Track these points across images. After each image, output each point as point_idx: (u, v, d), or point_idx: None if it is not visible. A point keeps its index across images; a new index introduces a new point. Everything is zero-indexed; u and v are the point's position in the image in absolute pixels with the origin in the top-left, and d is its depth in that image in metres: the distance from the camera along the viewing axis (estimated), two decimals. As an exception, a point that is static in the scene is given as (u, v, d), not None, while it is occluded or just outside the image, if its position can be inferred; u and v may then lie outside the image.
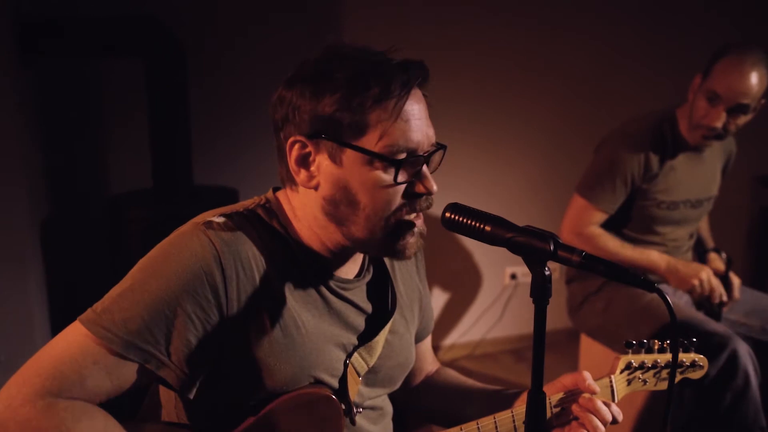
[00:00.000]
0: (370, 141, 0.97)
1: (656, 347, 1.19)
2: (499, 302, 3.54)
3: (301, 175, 1.01)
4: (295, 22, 2.86)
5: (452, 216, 0.94)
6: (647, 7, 3.41)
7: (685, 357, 1.22)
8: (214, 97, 2.84)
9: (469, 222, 0.93)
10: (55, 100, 2.66)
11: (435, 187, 1.01)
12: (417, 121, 0.99)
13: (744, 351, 1.88)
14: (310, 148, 1.00)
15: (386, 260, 1.19)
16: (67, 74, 2.68)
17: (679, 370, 1.22)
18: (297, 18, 2.87)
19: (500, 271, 3.50)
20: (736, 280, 2.19)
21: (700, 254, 2.37)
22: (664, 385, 1.22)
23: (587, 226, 2.13)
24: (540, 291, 0.88)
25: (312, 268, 1.06)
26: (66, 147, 2.72)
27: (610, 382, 1.17)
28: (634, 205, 2.15)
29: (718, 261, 2.30)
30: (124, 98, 2.73)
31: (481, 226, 0.93)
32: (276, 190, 1.11)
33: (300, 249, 1.05)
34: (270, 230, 1.05)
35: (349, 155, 0.98)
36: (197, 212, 1.07)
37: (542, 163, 3.45)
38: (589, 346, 2.39)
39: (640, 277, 0.84)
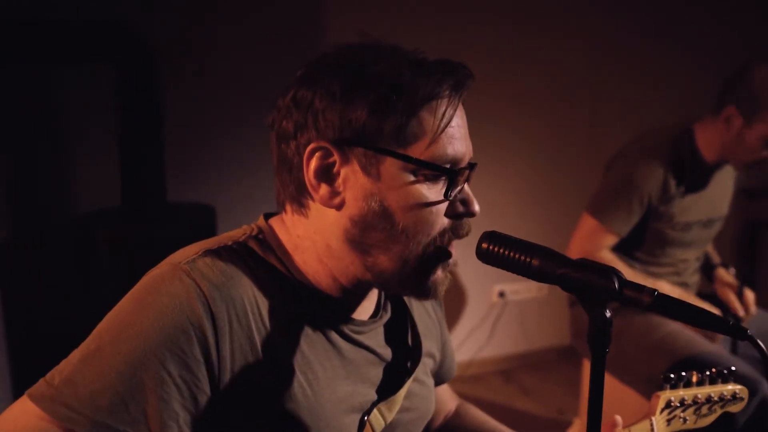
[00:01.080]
0: (416, 149, 0.82)
1: (695, 379, 1.07)
2: (488, 321, 3.40)
3: (322, 191, 0.84)
4: (276, 28, 2.70)
5: (491, 247, 0.79)
6: (644, 13, 3.34)
7: (724, 389, 1.10)
8: (190, 106, 2.66)
9: (511, 255, 0.78)
10: (15, 109, 2.46)
11: (478, 208, 0.86)
12: (462, 129, 0.85)
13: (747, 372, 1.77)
14: (335, 158, 0.83)
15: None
16: (28, 82, 2.48)
17: (719, 404, 1.09)
18: (276, 23, 2.72)
19: (488, 288, 3.37)
20: (750, 295, 2.09)
21: (707, 270, 2.26)
22: (705, 422, 1.10)
23: (599, 250, 1.99)
24: (599, 337, 0.73)
25: (320, 311, 0.89)
26: (27, 161, 2.51)
27: (651, 424, 1.04)
28: (648, 227, 2.02)
29: (727, 276, 2.19)
30: (91, 108, 2.53)
31: (527, 259, 0.77)
32: (268, 216, 0.94)
33: (304, 288, 0.88)
34: (267, 267, 0.87)
35: (388, 166, 0.81)
36: (171, 234, 0.90)
37: (531, 174, 3.34)
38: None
39: (728, 322, 0.70)
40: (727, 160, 2.00)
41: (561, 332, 3.48)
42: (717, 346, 1.95)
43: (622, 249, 2.05)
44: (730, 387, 1.11)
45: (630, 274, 2.00)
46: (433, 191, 0.83)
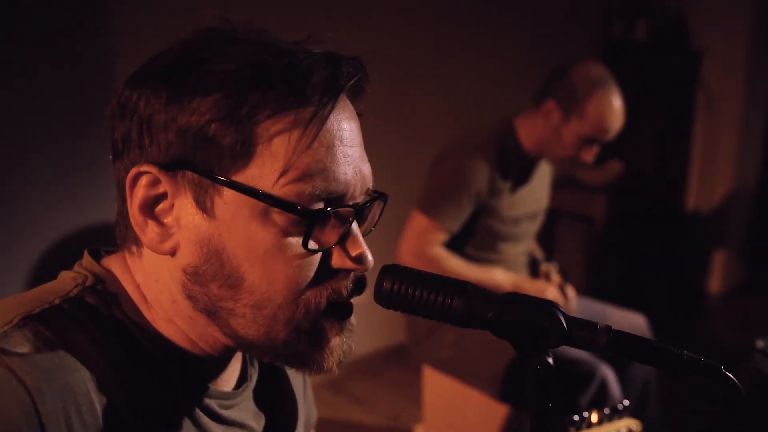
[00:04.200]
0: (267, 177, 0.60)
1: (596, 419, 1.00)
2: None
3: (150, 232, 0.62)
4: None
5: (395, 287, 0.60)
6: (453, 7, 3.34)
7: (620, 425, 1.03)
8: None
9: (424, 296, 0.60)
10: None
11: (370, 258, 0.65)
12: (347, 148, 0.63)
13: (611, 378, 1.80)
14: (164, 187, 0.61)
15: None
16: None
17: None
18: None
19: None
20: (571, 292, 2.13)
21: (532, 265, 2.29)
22: None
23: (430, 246, 1.91)
24: (543, 392, 0.58)
25: (182, 382, 0.66)
26: None
27: None
28: (478, 223, 1.98)
29: (552, 272, 2.23)
30: None
31: (446, 300, 0.59)
32: (94, 254, 0.69)
33: (162, 351, 0.65)
34: (116, 332, 0.63)
35: (227, 199, 0.60)
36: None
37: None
38: (434, 380, 2.17)
39: (699, 360, 0.57)
40: (545, 155, 2.02)
41: (386, 334, 3.41)
42: None
43: (452, 246, 2.00)
44: (625, 422, 1.04)
45: (463, 266, 1.94)
46: (292, 239, 0.61)
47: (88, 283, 0.65)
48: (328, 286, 0.64)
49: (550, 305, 0.59)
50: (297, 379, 0.86)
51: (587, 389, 1.79)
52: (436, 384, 2.16)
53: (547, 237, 3.94)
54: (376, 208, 0.69)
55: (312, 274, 0.63)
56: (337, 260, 0.64)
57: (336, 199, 0.62)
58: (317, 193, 0.60)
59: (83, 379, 0.58)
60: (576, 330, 0.58)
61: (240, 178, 0.59)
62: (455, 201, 1.90)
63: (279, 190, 0.59)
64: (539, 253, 2.35)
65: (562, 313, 0.59)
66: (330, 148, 0.61)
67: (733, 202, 4.04)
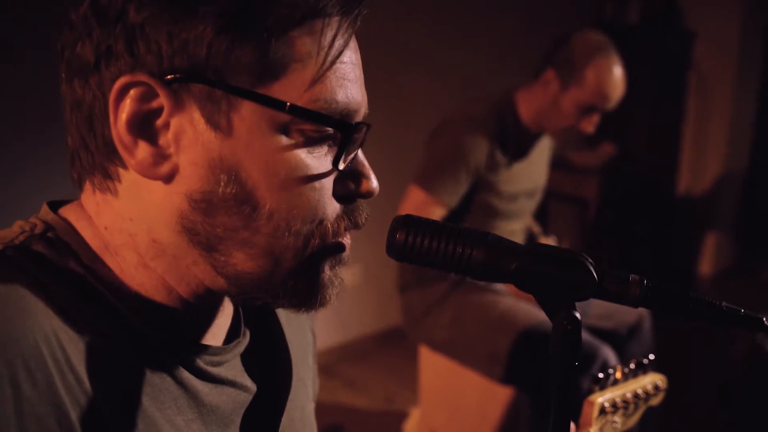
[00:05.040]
0: (290, 91, 0.54)
1: (619, 375, 0.94)
2: (304, 316, 3.18)
3: (141, 153, 0.54)
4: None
5: (410, 239, 0.56)
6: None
7: (646, 381, 0.99)
8: None
9: (441, 247, 0.55)
10: None
11: (377, 185, 0.61)
12: (356, 66, 0.59)
13: (611, 356, 1.78)
14: (161, 100, 0.54)
15: None
16: None
17: (643, 399, 0.98)
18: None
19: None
20: None
21: (530, 239, 2.26)
22: (632, 422, 0.99)
23: None
24: (569, 348, 0.54)
25: (156, 336, 0.59)
26: None
27: None
28: (475, 199, 1.94)
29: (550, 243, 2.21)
30: None
31: (467, 251, 0.55)
32: (55, 206, 0.62)
33: (130, 307, 0.57)
34: (68, 282, 0.55)
35: (246, 115, 0.54)
36: None
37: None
38: (430, 362, 2.13)
39: (740, 312, 0.54)
40: (544, 128, 1.98)
41: (378, 317, 3.38)
42: None
43: (449, 221, 1.95)
44: (650, 377, 1.00)
45: None
46: (315, 157, 0.57)
47: (36, 231, 0.57)
48: (345, 215, 0.60)
49: (579, 255, 0.55)
50: (300, 347, 0.81)
51: (589, 371, 1.77)
52: (432, 365, 2.13)
53: (539, 218, 3.92)
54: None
55: (330, 198, 0.59)
56: (352, 185, 0.60)
57: (348, 117, 0.58)
58: (340, 108, 0.56)
59: (30, 334, 0.50)
60: (607, 282, 0.54)
61: (262, 90, 0.54)
62: (453, 175, 1.86)
63: (304, 101, 0.55)
64: (537, 228, 2.32)
65: (592, 263, 0.55)
66: (348, 64, 0.57)
67: (723, 185, 4.04)
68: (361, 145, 0.61)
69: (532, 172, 2.07)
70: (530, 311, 1.90)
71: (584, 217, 3.72)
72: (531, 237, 2.26)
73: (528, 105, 1.96)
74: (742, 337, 2.17)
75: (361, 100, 0.59)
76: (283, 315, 0.78)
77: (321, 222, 0.58)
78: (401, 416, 2.62)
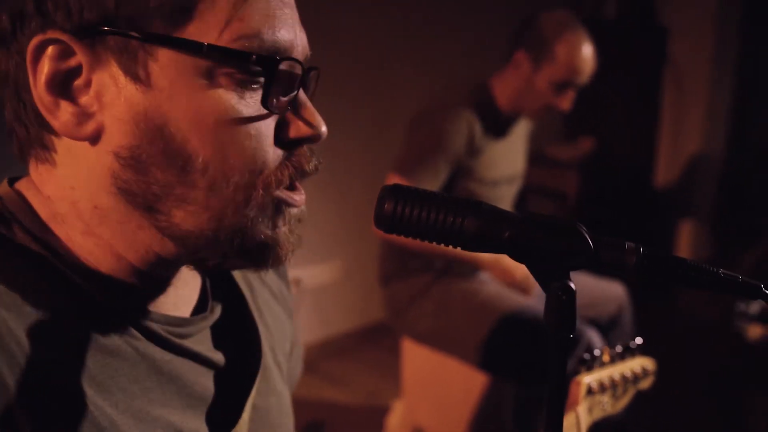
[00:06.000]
0: (207, 33, 0.52)
1: (607, 358, 0.94)
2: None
3: (63, 114, 0.53)
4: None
5: (399, 209, 0.54)
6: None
7: (634, 364, 0.99)
8: None
9: (432, 217, 0.54)
10: None
11: (324, 128, 0.59)
12: (287, 8, 0.56)
13: (597, 339, 1.78)
14: (78, 59, 0.52)
15: (238, 276, 0.73)
16: None
17: (632, 382, 0.98)
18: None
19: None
20: None
21: None
22: (621, 404, 1.00)
23: None
24: (564, 319, 0.53)
25: (110, 304, 0.57)
26: None
27: (576, 417, 0.89)
28: (456, 185, 1.94)
29: None
30: None
31: (458, 220, 0.54)
32: (13, 181, 0.60)
33: (82, 276, 0.56)
34: (16, 253, 0.54)
35: (165, 62, 0.52)
36: None
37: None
38: (413, 354, 2.13)
39: (738, 278, 0.53)
40: (521, 111, 1.98)
41: (360, 313, 3.36)
42: (532, 300, 1.92)
43: None
44: (638, 360, 1.00)
45: None
46: (246, 103, 0.54)
47: None
48: (289, 162, 0.57)
49: (575, 223, 0.54)
50: (278, 332, 0.79)
51: (574, 353, 1.77)
52: (415, 358, 2.13)
53: (518, 209, 3.94)
54: (313, 81, 0.63)
55: (270, 145, 0.56)
56: (293, 129, 0.57)
57: (277, 54, 0.55)
58: (266, 46, 0.54)
59: None
60: (603, 250, 0.53)
61: (179, 33, 0.52)
62: (433, 162, 1.85)
63: (224, 41, 0.52)
64: None
65: (587, 231, 0.54)
66: (275, 2, 0.55)
67: (700, 177, 4.09)
68: (303, 87, 0.59)
69: (512, 157, 2.07)
70: (514, 298, 1.91)
71: (564, 211, 3.74)
72: None
73: (503, 89, 1.96)
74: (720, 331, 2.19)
75: (293, 39, 0.56)
76: (260, 298, 0.77)
77: (261, 171, 0.56)
78: (384, 411, 2.61)
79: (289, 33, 0.56)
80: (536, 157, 3.75)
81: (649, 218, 4.10)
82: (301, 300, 3.20)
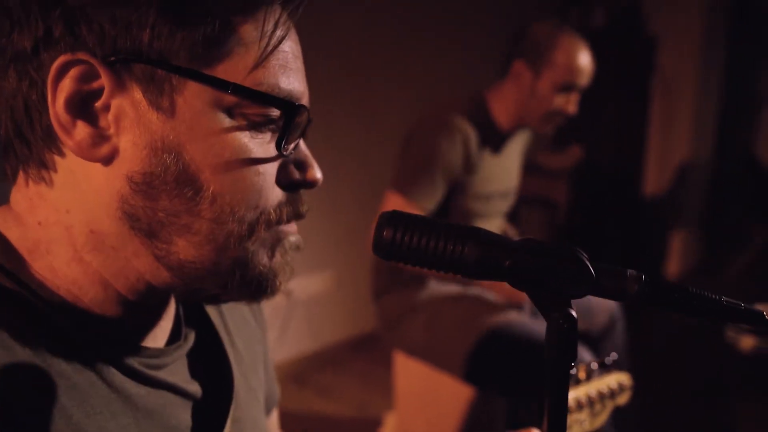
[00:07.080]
0: (233, 74, 0.55)
1: (583, 375, 0.94)
2: (274, 325, 3.12)
3: (79, 134, 0.53)
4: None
5: (398, 237, 0.53)
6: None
7: (610, 380, 0.98)
8: None
9: (431, 244, 0.53)
10: None
11: (320, 175, 0.63)
12: (296, 58, 0.60)
13: (584, 354, 1.77)
14: (102, 82, 0.53)
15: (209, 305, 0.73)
16: None
17: (609, 398, 0.98)
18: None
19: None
20: None
21: None
22: (599, 421, 0.99)
23: None
24: (565, 350, 0.52)
25: (85, 339, 0.55)
26: None
27: None
28: (450, 201, 1.93)
29: None
30: None
31: (457, 248, 0.53)
32: None
33: (58, 311, 0.55)
34: None
35: (190, 96, 0.54)
36: None
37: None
38: (406, 367, 2.11)
39: (740, 306, 0.52)
40: (525, 123, 1.98)
41: (350, 324, 3.35)
42: (524, 316, 1.91)
43: None
44: (615, 376, 1.00)
45: None
46: (258, 142, 0.57)
47: None
48: (287, 202, 0.60)
49: (575, 250, 0.53)
50: (250, 356, 0.78)
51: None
52: (407, 370, 2.11)
53: (509, 222, 3.95)
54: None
55: (273, 185, 0.59)
56: (295, 174, 0.61)
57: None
58: (283, 95, 0.57)
59: None
60: (604, 278, 0.52)
61: (207, 70, 0.54)
62: (430, 178, 1.85)
63: (249, 83, 0.55)
64: (511, 231, 2.32)
65: (588, 258, 0.53)
66: (289, 53, 0.58)
67: (688, 184, 4.11)
68: (303, 136, 0.62)
69: (506, 172, 2.07)
70: (504, 314, 1.89)
71: (554, 219, 3.74)
72: None
73: (501, 103, 1.95)
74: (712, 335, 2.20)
75: (303, 90, 0.60)
76: (230, 322, 0.76)
77: (264, 209, 0.58)
78: (374, 423, 2.59)
79: (301, 84, 0.60)
80: (526, 166, 3.76)
81: (638, 225, 4.11)
82: (291, 311, 3.18)
